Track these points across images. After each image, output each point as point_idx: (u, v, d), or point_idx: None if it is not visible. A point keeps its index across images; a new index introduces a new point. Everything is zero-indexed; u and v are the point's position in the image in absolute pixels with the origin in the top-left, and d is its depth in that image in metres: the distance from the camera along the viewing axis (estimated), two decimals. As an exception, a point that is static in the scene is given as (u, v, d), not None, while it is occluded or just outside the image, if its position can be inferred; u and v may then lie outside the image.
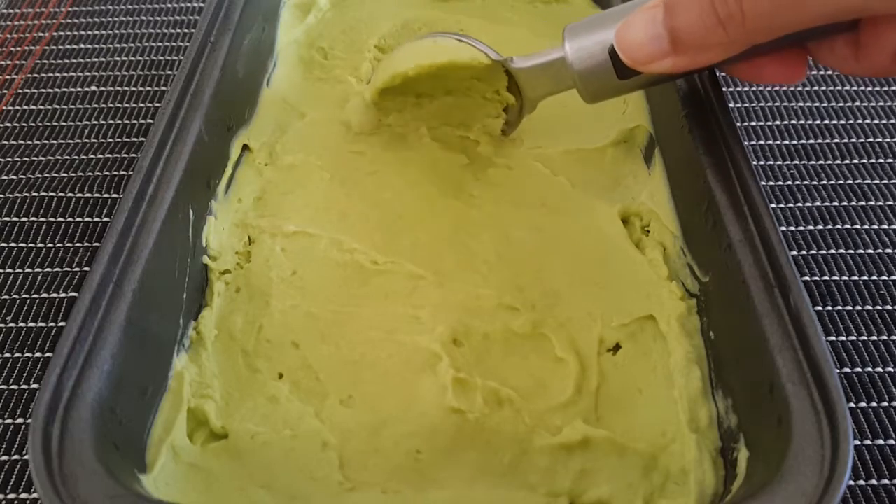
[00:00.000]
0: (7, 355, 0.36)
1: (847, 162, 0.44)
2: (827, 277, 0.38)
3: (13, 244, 0.40)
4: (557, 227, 0.37)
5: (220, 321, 0.34)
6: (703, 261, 0.33)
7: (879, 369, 0.35)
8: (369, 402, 0.31)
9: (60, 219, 0.41)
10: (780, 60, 0.30)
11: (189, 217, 0.34)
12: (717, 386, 0.30)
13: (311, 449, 0.30)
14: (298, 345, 0.33)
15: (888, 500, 0.31)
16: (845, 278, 0.38)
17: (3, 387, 0.35)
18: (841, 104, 0.47)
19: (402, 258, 0.36)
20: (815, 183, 0.42)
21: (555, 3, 0.51)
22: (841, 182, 0.42)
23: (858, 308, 0.37)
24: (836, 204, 0.41)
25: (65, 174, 0.43)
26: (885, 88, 0.48)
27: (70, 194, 0.42)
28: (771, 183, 0.42)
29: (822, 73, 0.49)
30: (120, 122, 0.46)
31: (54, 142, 0.45)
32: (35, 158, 0.44)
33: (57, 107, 0.47)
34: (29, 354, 0.36)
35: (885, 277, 0.38)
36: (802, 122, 0.46)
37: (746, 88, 0.48)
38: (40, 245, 0.40)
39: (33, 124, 0.46)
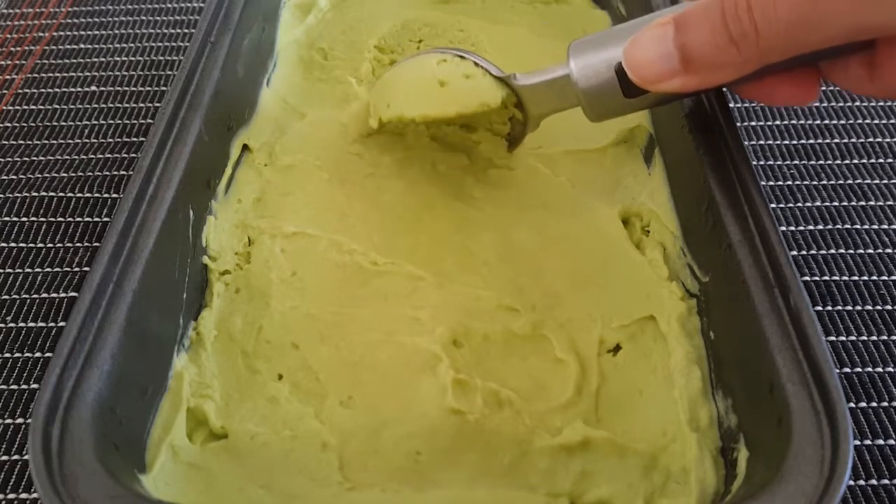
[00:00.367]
0: (7, 355, 0.36)
1: (847, 162, 0.44)
2: (827, 277, 0.38)
3: (13, 244, 0.40)
4: (558, 228, 0.37)
5: (219, 322, 0.34)
6: (703, 261, 0.33)
7: (879, 369, 0.35)
8: (369, 403, 0.31)
9: (60, 219, 0.41)
10: (791, 80, 0.29)
11: (189, 217, 0.34)
12: (717, 386, 0.30)
13: (310, 450, 0.30)
14: (298, 346, 0.33)
15: (888, 500, 0.31)
16: (845, 278, 0.38)
17: (3, 387, 0.35)
18: (841, 104, 0.47)
19: (401, 259, 0.36)
20: (815, 183, 0.42)
21: (555, 3, 0.51)
22: (841, 182, 0.42)
23: (858, 308, 0.37)
24: (836, 204, 0.41)
25: (65, 174, 0.43)
26: (885, 88, 0.48)
27: (70, 194, 0.42)
28: (771, 183, 0.42)
29: (822, 73, 0.49)
30: (120, 122, 0.46)
31: (54, 142, 0.45)
32: (35, 158, 0.44)
33: (57, 107, 0.47)
34: (29, 354, 0.36)
35: (885, 277, 0.38)
36: (802, 121, 0.46)
37: (746, 88, 0.48)
38: (40, 245, 0.40)
39: (33, 124, 0.46)
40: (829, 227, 0.40)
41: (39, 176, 0.43)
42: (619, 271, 0.35)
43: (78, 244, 0.40)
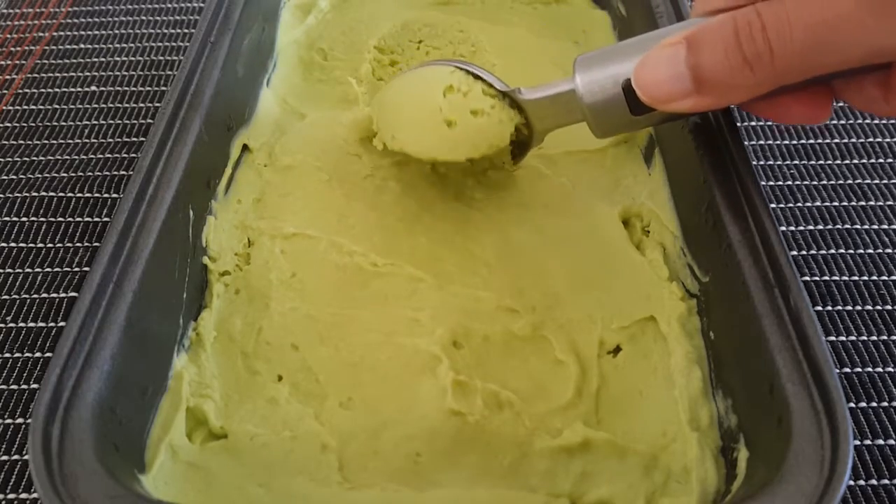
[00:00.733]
0: (7, 355, 0.36)
1: (847, 162, 0.44)
2: (827, 277, 0.38)
3: (13, 244, 0.40)
4: (558, 229, 0.37)
5: (219, 323, 0.34)
6: (703, 261, 0.33)
7: (879, 369, 0.35)
8: (369, 405, 0.31)
9: (60, 219, 0.41)
10: (803, 99, 0.28)
11: (189, 217, 0.34)
12: (717, 386, 0.30)
13: (310, 450, 0.30)
14: (298, 347, 0.33)
15: (888, 500, 0.31)
16: (845, 278, 0.38)
17: (3, 387, 0.35)
18: (841, 103, 0.47)
19: (401, 260, 0.35)
20: (815, 183, 0.42)
21: (554, 3, 0.51)
22: (841, 182, 0.42)
23: (858, 308, 0.37)
24: (836, 204, 0.41)
25: (65, 174, 0.43)
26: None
27: (70, 194, 0.42)
28: (771, 183, 0.42)
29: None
30: (120, 122, 0.46)
31: (54, 142, 0.45)
32: (35, 158, 0.44)
33: (57, 107, 0.47)
34: (29, 354, 0.36)
35: (885, 277, 0.38)
36: (802, 122, 0.46)
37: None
38: (40, 245, 0.40)
39: (33, 124, 0.46)
40: (829, 227, 0.40)
41: (39, 176, 0.43)
42: (620, 272, 0.35)
43: (78, 244, 0.40)
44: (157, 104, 0.47)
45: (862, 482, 0.32)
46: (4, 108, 0.48)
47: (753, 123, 0.46)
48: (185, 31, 0.53)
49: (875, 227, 0.40)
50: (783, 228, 0.40)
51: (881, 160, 0.44)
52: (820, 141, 0.45)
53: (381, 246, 0.36)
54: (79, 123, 0.46)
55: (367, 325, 0.33)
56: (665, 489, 0.28)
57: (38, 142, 0.45)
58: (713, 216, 0.31)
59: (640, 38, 0.30)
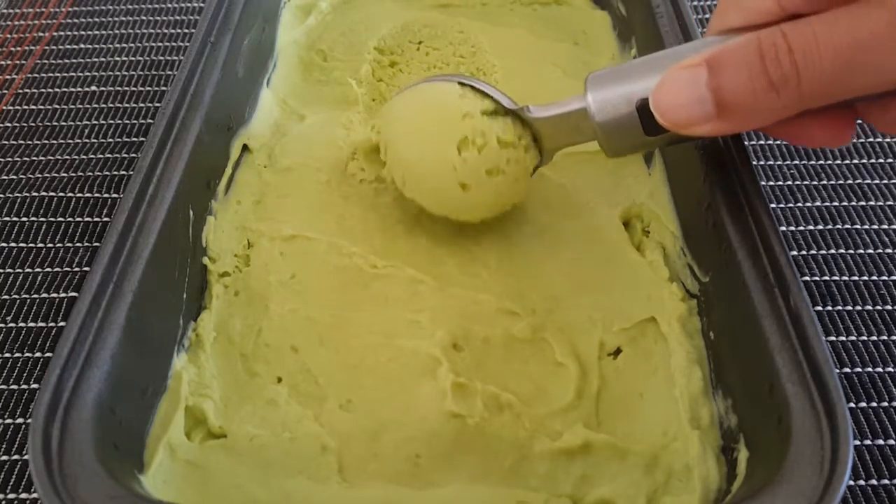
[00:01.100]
0: (7, 355, 0.36)
1: (847, 162, 0.43)
2: (827, 277, 0.38)
3: (13, 244, 0.40)
4: (559, 230, 0.37)
5: (218, 325, 0.34)
6: (703, 261, 0.33)
7: (879, 369, 0.35)
8: (369, 407, 0.31)
9: (60, 219, 0.41)
10: (825, 121, 0.27)
11: (189, 217, 0.34)
12: (717, 386, 0.30)
13: (309, 451, 0.30)
14: (297, 349, 0.33)
15: (888, 500, 0.31)
16: (845, 278, 0.38)
17: (3, 387, 0.35)
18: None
19: (401, 262, 0.35)
20: (815, 183, 0.42)
21: (554, 4, 0.51)
22: (841, 182, 0.42)
23: (858, 308, 0.37)
24: (836, 204, 0.41)
25: (65, 174, 0.43)
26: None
27: (70, 194, 0.42)
28: (771, 183, 0.42)
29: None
30: (120, 122, 0.46)
31: (54, 142, 0.45)
32: (35, 158, 0.44)
33: (57, 107, 0.47)
34: (29, 354, 0.36)
35: (885, 277, 0.38)
36: (802, 122, 0.46)
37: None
38: (40, 245, 0.40)
39: (33, 124, 0.46)
40: (829, 227, 0.40)
41: (39, 176, 0.43)
42: (620, 274, 0.35)
43: (78, 244, 0.40)
44: (157, 104, 0.47)
45: (862, 482, 0.32)
46: (4, 108, 0.48)
47: (753, 123, 0.45)
48: (185, 31, 0.53)
49: (875, 227, 0.40)
50: (783, 228, 0.40)
51: (881, 160, 0.44)
52: (820, 141, 0.45)
53: (381, 247, 0.36)
54: (79, 123, 0.46)
55: (367, 327, 0.33)
56: (667, 487, 0.28)
57: (38, 142, 0.45)
58: (713, 216, 0.31)
59: (653, 56, 0.29)
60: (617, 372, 0.32)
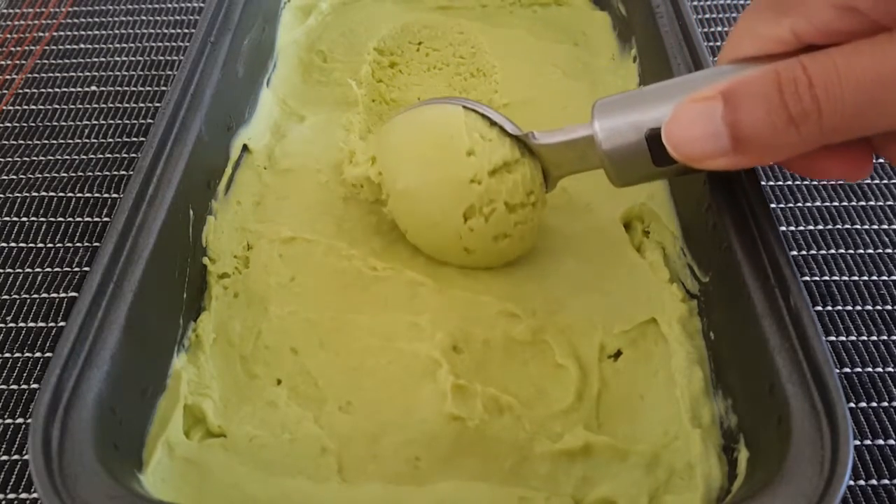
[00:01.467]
0: (7, 355, 0.36)
1: (847, 162, 0.43)
2: (827, 277, 0.38)
3: (13, 244, 0.40)
4: (560, 232, 0.37)
5: (218, 326, 0.34)
6: (703, 261, 0.33)
7: (879, 369, 0.35)
8: (368, 409, 0.31)
9: (60, 219, 0.41)
10: (842, 156, 0.26)
11: (189, 217, 0.34)
12: (717, 386, 0.30)
13: (309, 453, 0.30)
14: (297, 351, 0.33)
15: (888, 500, 0.31)
16: (845, 278, 0.38)
17: (3, 387, 0.35)
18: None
19: (401, 264, 0.35)
20: (815, 183, 0.42)
21: (554, 5, 0.51)
22: (841, 182, 0.42)
23: (858, 308, 0.37)
24: (836, 204, 0.41)
25: (65, 174, 0.43)
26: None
27: (70, 194, 0.42)
28: (771, 183, 0.42)
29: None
30: (120, 122, 0.46)
31: (54, 142, 0.45)
32: (35, 158, 0.44)
33: (57, 107, 0.47)
34: (29, 354, 0.36)
35: (885, 277, 0.38)
36: (802, 122, 0.46)
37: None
38: (40, 245, 0.40)
39: (33, 124, 0.46)
40: (829, 227, 0.40)
41: (39, 176, 0.43)
42: (621, 275, 0.35)
43: (78, 244, 0.40)
44: (157, 104, 0.47)
45: (862, 482, 0.32)
46: (4, 108, 0.48)
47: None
48: (185, 31, 0.53)
49: (875, 227, 0.40)
50: (783, 228, 0.40)
51: (881, 160, 0.44)
52: (820, 141, 0.45)
53: (381, 250, 0.36)
54: (79, 123, 0.46)
55: (367, 329, 0.33)
56: (668, 486, 0.28)
57: (38, 142, 0.45)
58: (713, 216, 0.31)
59: (663, 84, 0.29)
60: (617, 374, 0.32)
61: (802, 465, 0.23)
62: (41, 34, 0.52)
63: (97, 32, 0.53)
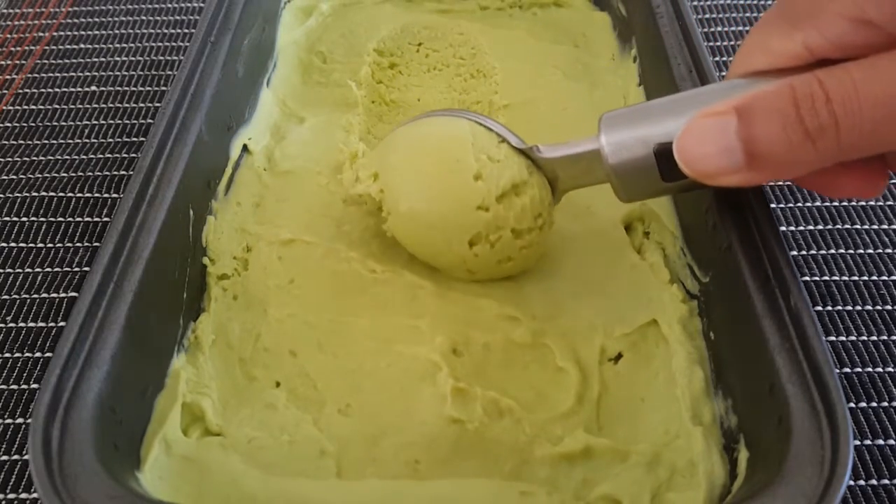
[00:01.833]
0: (7, 355, 0.36)
1: (847, 162, 0.43)
2: (827, 277, 0.38)
3: (13, 244, 0.40)
4: (560, 234, 0.37)
5: (217, 328, 0.34)
6: (704, 261, 0.33)
7: (879, 369, 0.35)
8: (368, 412, 0.31)
9: (60, 219, 0.41)
10: (856, 172, 0.26)
11: (189, 217, 0.34)
12: (717, 386, 0.30)
13: (308, 455, 0.30)
14: (296, 353, 0.33)
15: (888, 500, 0.31)
16: (845, 278, 0.38)
17: (3, 387, 0.35)
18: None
19: (400, 267, 0.35)
20: (814, 183, 0.42)
21: (554, 6, 0.51)
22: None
23: (858, 308, 0.37)
24: (836, 204, 0.41)
25: (65, 174, 0.43)
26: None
27: (70, 194, 0.42)
28: (771, 183, 0.42)
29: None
30: (120, 122, 0.46)
31: (54, 142, 0.45)
32: (35, 158, 0.44)
33: (57, 107, 0.47)
34: (29, 354, 0.36)
35: (885, 277, 0.38)
36: (802, 122, 0.46)
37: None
38: (40, 245, 0.40)
39: (33, 124, 0.46)
40: (829, 227, 0.40)
41: (39, 176, 0.43)
42: (621, 277, 0.35)
43: (78, 244, 0.40)
44: (157, 104, 0.47)
45: (862, 482, 0.32)
46: (4, 108, 0.48)
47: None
48: (185, 31, 0.53)
49: (875, 227, 0.40)
50: (783, 228, 0.40)
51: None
52: (820, 141, 0.45)
53: (380, 252, 0.36)
54: (79, 123, 0.46)
55: (366, 332, 0.33)
56: (670, 484, 0.28)
57: (38, 142, 0.45)
58: (713, 217, 0.31)
59: (672, 98, 0.28)
60: (618, 377, 0.32)
61: (802, 466, 0.23)
62: (41, 34, 0.52)
63: (97, 32, 0.53)
